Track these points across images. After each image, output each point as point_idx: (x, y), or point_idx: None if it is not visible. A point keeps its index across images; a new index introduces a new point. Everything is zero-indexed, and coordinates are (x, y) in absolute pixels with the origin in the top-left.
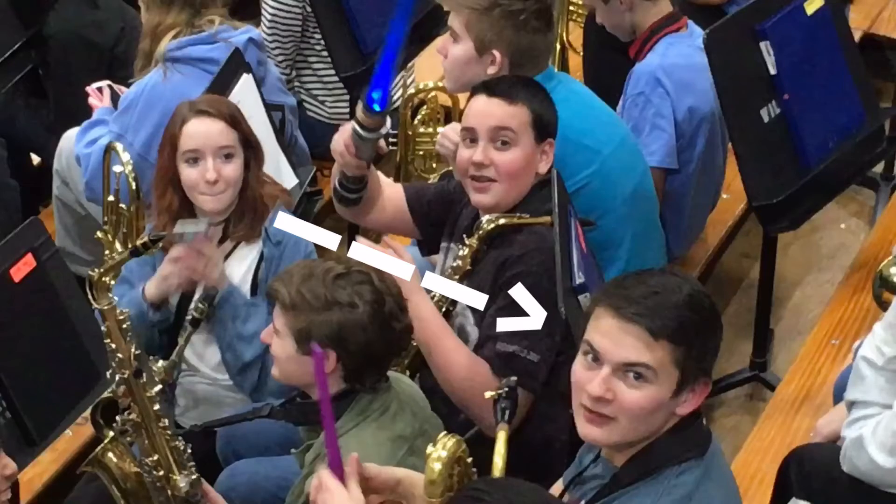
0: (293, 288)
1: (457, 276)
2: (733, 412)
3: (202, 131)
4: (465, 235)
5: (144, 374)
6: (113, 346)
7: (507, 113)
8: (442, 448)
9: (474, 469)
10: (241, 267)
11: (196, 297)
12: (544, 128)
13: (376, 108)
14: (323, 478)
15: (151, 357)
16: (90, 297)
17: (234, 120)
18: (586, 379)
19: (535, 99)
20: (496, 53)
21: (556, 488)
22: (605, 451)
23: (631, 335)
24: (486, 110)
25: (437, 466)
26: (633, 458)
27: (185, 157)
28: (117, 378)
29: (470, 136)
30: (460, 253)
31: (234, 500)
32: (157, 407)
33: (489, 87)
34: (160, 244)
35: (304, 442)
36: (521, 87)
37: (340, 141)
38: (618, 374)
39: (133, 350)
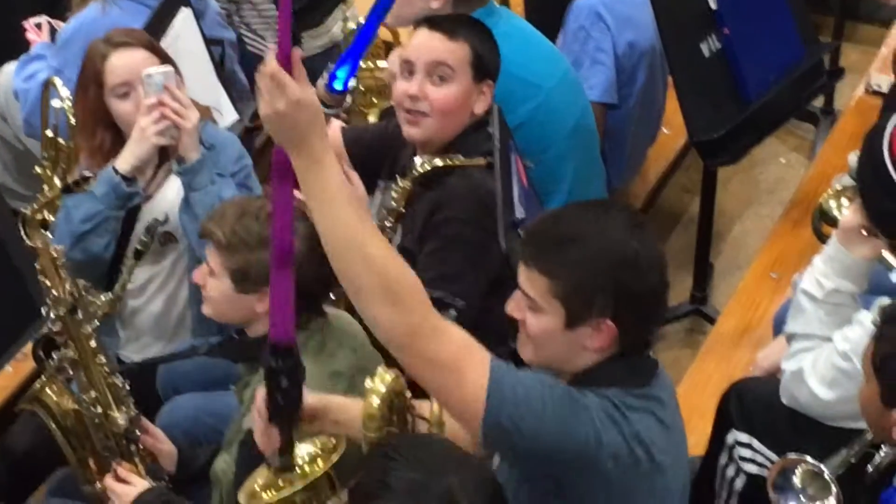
0: (227, 227)
1: (392, 217)
2: (673, 346)
3: (128, 63)
4: (397, 176)
5: (80, 311)
6: (48, 283)
7: (446, 48)
8: (380, 382)
9: (413, 402)
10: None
11: (138, 229)
12: (484, 67)
13: (338, 86)
14: None
15: (92, 290)
16: (23, 234)
17: (152, 45)
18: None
19: (477, 38)
20: None
21: None
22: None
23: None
24: (426, 44)
25: (376, 401)
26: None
27: (116, 92)
28: (52, 315)
29: (408, 68)
30: (393, 195)
31: (175, 435)
32: (93, 343)
33: (432, 21)
34: (91, 182)
35: (244, 378)
36: (465, 24)
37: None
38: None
39: (68, 287)
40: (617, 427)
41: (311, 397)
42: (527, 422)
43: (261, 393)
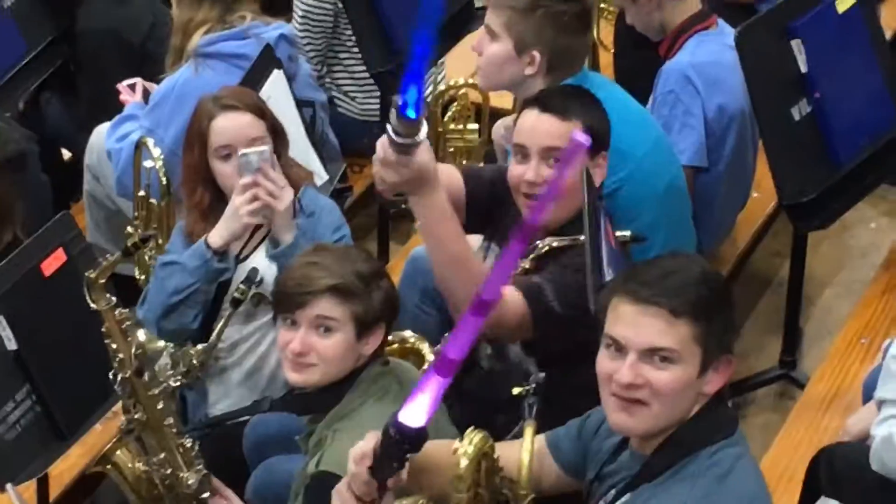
0: (345, 272)
1: None
2: (763, 411)
3: (232, 126)
4: (524, 257)
5: (146, 374)
6: (114, 346)
7: (560, 131)
8: (469, 443)
9: (501, 466)
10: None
11: (237, 278)
12: (598, 140)
13: (412, 114)
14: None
15: (186, 343)
16: (88, 298)
17: (260, 110)
18: (613, 369)
19: (588, 113)
20: (535, 54)
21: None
22: (633, 441)
23: (651, 317)
24: (538, 127)
25: (464, 462)
26: (663, 443)
27: (219, 154)
28: (119, 378)
29: (521, 151)
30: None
31: (267, 498)
32: (161, 405)
33: (542, 102)
34: (150, 244)
35: (308, 427)
36: (574, 101)
37: (380, 151)
38: (643, 359)
39: (133, 350)
40: None
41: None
42: None
43: (371, 442)
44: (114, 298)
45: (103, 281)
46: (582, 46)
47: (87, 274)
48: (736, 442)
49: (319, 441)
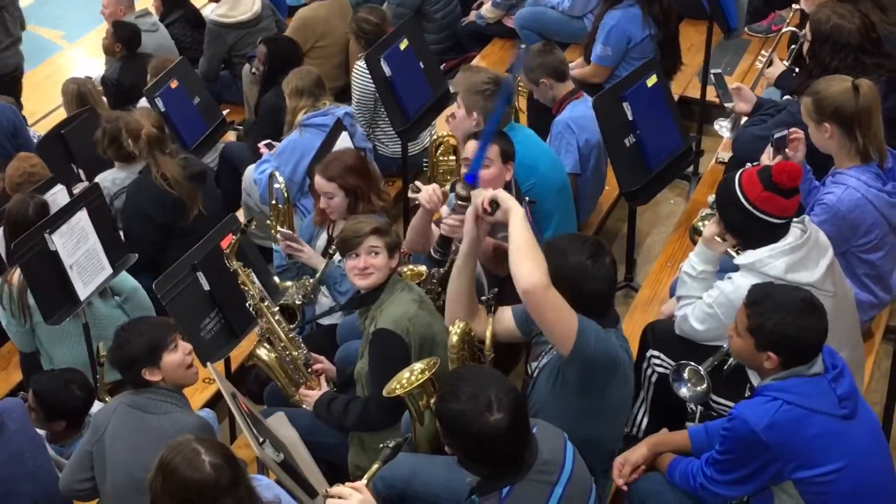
0: (374, 223)
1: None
2: (615, 306)
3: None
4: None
5: (266, 301)
6: (245, 288)
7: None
8: (456, 328)
9: (475, 336)
10: None
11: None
12: (507, 156)
13: (471, 181)
14: None
15: (304, 278)
16: (226, 262)
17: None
18: None
19: (501, 141)
20: (475, 114)
21: None
22: None
23: None
24: (473, 147)
25: (454, 338)
26: None
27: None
28: (250, 304)
29: (465, 162)
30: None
31: (345, 360)
32: (277, 318)
33: (476, 135)
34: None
35: (361, 316)
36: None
37: (447, 218)
38: None
39: (258, 289)
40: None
41: None
42: (595, 346)
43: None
44: (240, 263)
45: (234, 253)
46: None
47: (224, 251)
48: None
49: (372, 317)
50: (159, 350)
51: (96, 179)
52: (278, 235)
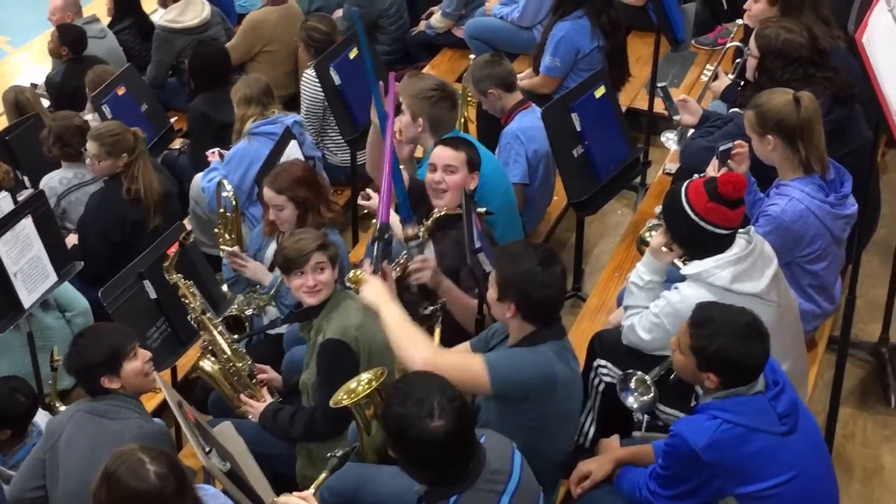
0: (317, 238)
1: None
2: (563, 316)
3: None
4: (423, 220)
5: (208, 313)
6: (186, 301)
7: (453, 156)
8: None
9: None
10: None
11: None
12: (473, 164)
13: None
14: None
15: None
16: (165, 274)
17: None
18: None
19: (469, 149)
20: (420, 120)
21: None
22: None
23: None
24: (442, 154)
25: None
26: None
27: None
28: (192, 318)
29: (432, 168)
30: (421, 230)
31: (291, 368)
32: (220, 329)
33: (445, 142)
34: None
35: (303, 329)
36: (461, 142)
37: (414, 265)
38: None
39: (199, 302)
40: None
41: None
42: (511, 376)
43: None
44: (180, 276)
45: (173, 269)
46: (448, 117)
47: (163, 264)
48: (546, 346)
49: (318, 328)
50: (120, 358)
51: (43, 180)
52: (222, 252)
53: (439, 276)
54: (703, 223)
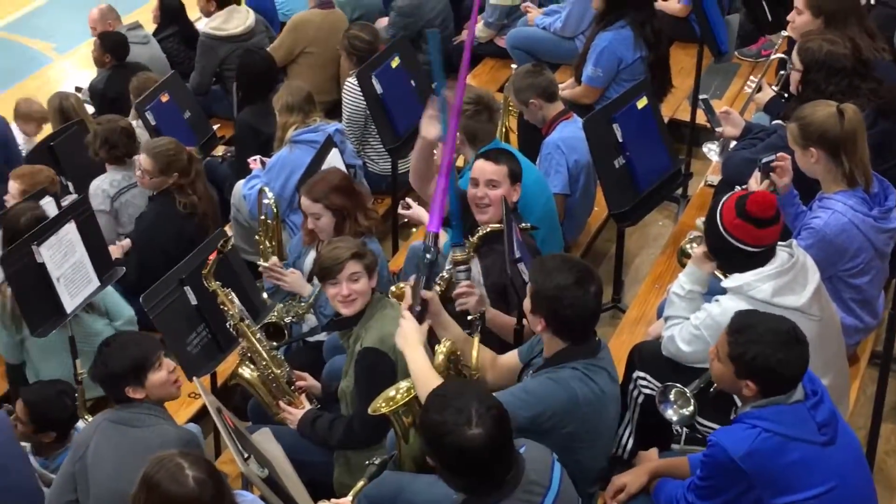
0: (353, 246)
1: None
2: (602, 326)
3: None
4: (469, 236)
5: (247, 320)
6: (224, 308)
7: (495, 170)
8: (443, 347)
9: (461, 357)
10: None
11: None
12: (515, 177)
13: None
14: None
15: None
16: (204, 281)
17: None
18: None
19: (510, 161)
20: (457, 133)
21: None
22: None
23: None
24: (483, 168)
25: (440, 356)
26: (549, 360)
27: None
28: (230, 324)
29: (474, 183)
30: (466, 245)
31: (331, 376)
32: (258, 335)
33: (485, 155)
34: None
35: (343, 338)
36: (502, 155)
37: (457, 293)
38: None
39: (237, 309)
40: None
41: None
42: (522, 414)
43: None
44: (218, 283)
45: (211, 273)
46: (486, 128)
47: (202, 272)
48: (574, 365)
49: (357, 337)
50: (144, 369)
51: (92, 185)
52: (260, 268)
53: (483, 305)
54: (728, 237)
